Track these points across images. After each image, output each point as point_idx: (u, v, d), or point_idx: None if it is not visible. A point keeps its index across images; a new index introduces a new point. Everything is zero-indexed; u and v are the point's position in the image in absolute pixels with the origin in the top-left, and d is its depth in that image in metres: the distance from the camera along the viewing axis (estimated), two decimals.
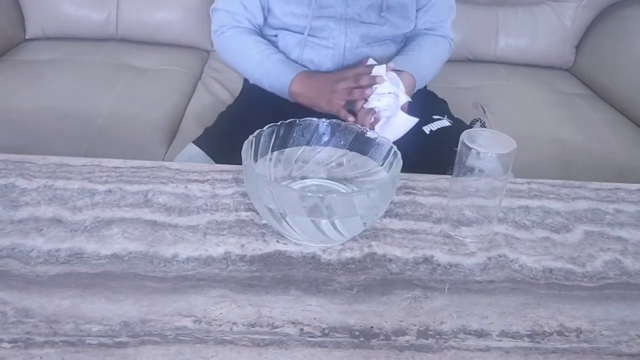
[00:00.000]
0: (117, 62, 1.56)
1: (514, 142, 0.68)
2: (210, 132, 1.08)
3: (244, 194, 0.78)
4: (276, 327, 0.58)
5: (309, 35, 1.06)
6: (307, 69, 1.07)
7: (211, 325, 0.57)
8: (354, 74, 0.96)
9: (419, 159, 0.87)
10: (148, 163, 0.84)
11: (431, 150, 1.01)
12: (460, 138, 0.68)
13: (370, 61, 0.99)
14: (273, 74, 1.06)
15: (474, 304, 0.62)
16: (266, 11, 1.10)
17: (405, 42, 1.16)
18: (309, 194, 0.63)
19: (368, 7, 1.05)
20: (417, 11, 1.12)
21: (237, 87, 1.26)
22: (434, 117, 1.09)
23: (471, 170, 0.68)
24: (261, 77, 1.09)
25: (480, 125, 1.23)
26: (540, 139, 1.36)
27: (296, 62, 1.08)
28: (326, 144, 0.80)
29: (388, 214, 0.76)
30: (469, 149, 0.67)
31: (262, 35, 1.13)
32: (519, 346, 0.58)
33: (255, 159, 0.74)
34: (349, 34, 1.06)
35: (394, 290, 0.64)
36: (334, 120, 0.79)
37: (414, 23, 1.13)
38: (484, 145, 0.67)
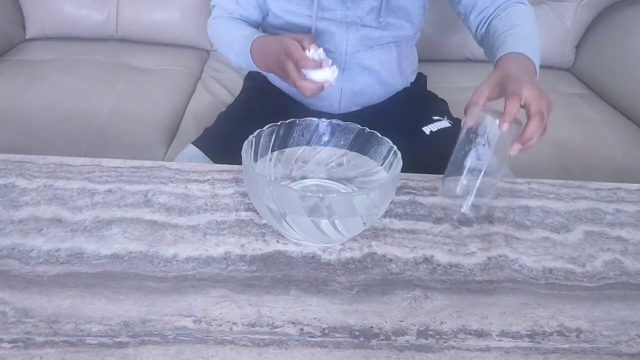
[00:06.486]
0: (117, 62, 1.56)
1: (521, 122, 0.73)
2: (210, 132, 1.07)
3: (244, 194, 0.78)
4: (276, 327, 0.58)
5: None
6: (263, 35, 1.01)
7: (211, 325, 0.57)
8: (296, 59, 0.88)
9: (419, 159, 0.87)
10: (148, 163, 0.84)
11: (431, 151, 1.01)
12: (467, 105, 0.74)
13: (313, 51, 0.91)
14: (239, 53, 1.03)
15: (474, 304, 0.62)
16: (265, 10, 1.10)
17: (488, 25, 1.01)
18: (309, 194, 0.63)
19: (369, 11, 1.04)
20: None
21: (237, 87, 1.26)
22: (434, 117, 1.09)
23: (475, 136, 0.71)
24: (236, 57, 1.06)
25: None
26: (540, 139, 1.35)
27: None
28: (326, 144, 0.80)
29: (388, 214, 0.76)
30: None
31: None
32: (519, 346, 0.58)
33: (255, 159, 0.74)
34: (350, 38, 1.05)
35: (394, 290, 0.64)
36: (334, 120, 0.79)
37: (417, 26, 1.11)
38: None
